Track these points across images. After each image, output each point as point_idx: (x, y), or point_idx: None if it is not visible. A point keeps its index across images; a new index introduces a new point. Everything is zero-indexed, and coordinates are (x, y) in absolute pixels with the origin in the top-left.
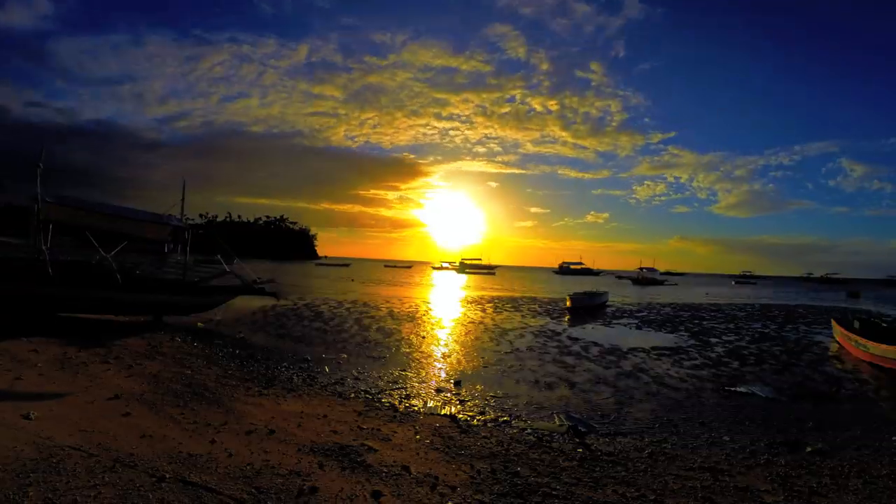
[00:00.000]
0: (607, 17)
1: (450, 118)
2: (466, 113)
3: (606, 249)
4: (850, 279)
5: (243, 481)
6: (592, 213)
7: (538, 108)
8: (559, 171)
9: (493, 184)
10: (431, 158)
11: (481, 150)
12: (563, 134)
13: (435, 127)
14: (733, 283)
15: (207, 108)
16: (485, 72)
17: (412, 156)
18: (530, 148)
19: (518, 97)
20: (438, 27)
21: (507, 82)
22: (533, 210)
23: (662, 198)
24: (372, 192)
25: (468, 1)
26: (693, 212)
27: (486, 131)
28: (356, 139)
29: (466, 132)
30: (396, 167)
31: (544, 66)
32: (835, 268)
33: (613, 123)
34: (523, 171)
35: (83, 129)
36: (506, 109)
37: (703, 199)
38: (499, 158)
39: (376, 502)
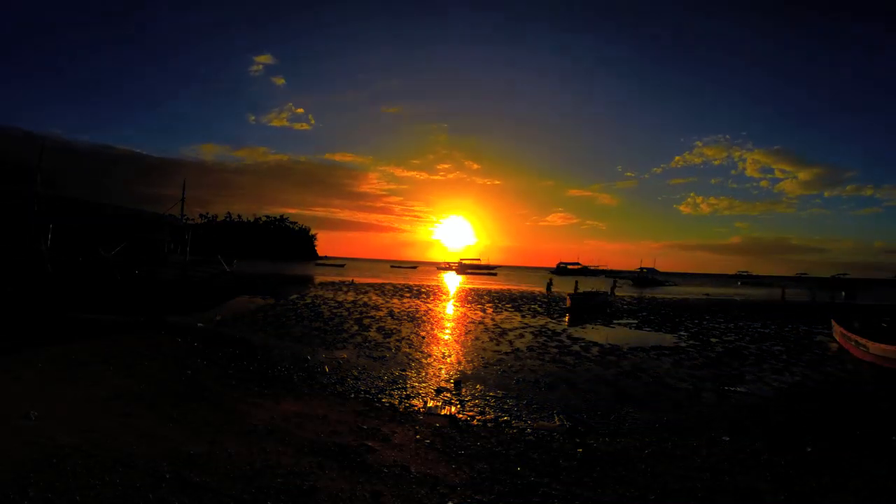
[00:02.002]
0: None
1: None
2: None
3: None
4: (851, 279)
5: (243, 481)
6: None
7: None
8: None
9: (497, 182)
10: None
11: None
12: None
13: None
14: (739, 283)
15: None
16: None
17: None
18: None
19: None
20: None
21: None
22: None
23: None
24: (373, 196)
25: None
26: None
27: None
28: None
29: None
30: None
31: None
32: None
33: None
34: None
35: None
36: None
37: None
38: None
39: (376, 502)
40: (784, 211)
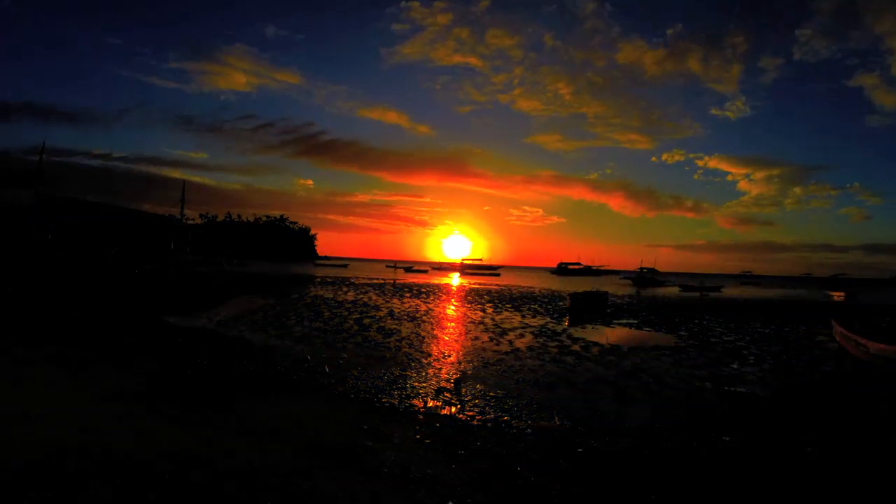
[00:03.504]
0: None
1: None
2: None
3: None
4: (853, 279)
5: (243, 481)
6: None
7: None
8: None
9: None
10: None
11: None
12: None
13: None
14: (741, 283)
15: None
16: None
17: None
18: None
19: None
20: None
21: None
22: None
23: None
24: (370, 203)
25: None
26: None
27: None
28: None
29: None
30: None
31: None
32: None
33: None
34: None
35: None
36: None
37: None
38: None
39: (376, 502)
40: (767, 212)
